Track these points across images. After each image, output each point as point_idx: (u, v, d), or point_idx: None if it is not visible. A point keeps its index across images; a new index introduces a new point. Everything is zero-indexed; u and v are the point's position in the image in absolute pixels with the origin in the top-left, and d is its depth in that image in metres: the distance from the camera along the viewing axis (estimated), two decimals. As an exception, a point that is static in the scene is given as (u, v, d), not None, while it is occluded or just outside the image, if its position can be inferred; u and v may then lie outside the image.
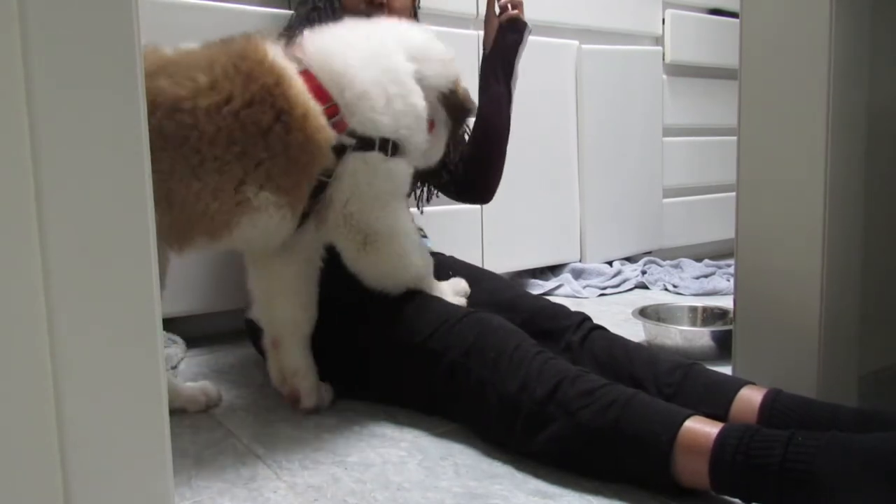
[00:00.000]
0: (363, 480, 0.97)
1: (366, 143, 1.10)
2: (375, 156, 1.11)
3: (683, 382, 1.06)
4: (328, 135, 1.07)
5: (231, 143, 1.01)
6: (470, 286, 1.35)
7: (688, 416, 0.89)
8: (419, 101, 1.14)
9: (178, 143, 0.98)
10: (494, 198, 2.07)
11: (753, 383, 1.03)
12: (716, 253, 2.62)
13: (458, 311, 1.14)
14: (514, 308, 1.27)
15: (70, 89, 0.52)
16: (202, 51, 1.06)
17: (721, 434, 0.86)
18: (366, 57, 1.11)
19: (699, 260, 2.47)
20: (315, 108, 1.06)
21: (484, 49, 1.53)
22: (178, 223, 1.03)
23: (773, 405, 0.97)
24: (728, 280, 2.16)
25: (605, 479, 0.94)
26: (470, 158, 1.54)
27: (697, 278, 2.25)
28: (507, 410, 1.01)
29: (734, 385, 1.03)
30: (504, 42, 1.49)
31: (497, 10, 1.50)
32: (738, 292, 1.19)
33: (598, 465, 0.94)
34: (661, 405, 0.94)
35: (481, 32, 1.98)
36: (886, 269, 1.22)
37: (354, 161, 1.10)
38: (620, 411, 0.92)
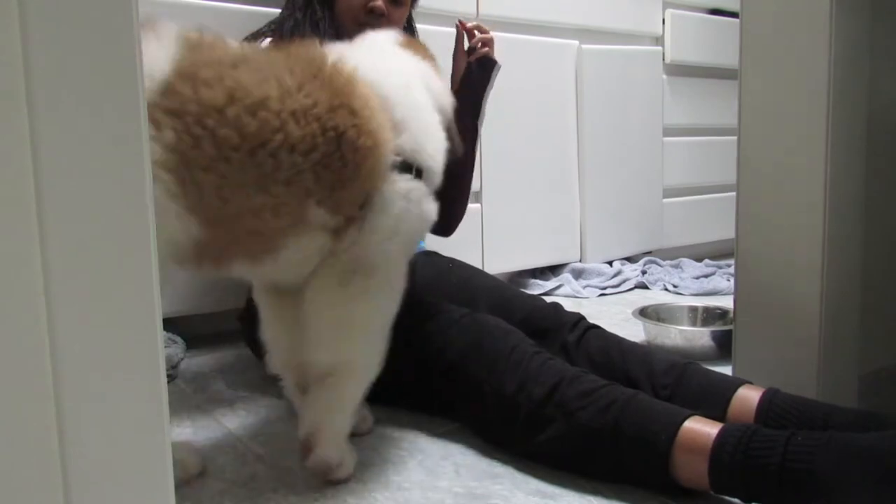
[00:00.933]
0: (363, 480, 0.97)
1: (405, 167, 1.00)
2: (418, 186, 1.01)
3: (679, 382, 1.06)
4: (389, 150, 0.97)
5: (312, 149, 0.90)
6: (465, 286, 1.35)
7: (687, 417, 0.89)
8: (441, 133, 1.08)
9: (255, 144, 0.86)
10: (494, 198, 2.07)
11: (750, 382, 1.03)
12: (716, 253, 2.62)
13: (454, 312, 1.14)
14: (509, 308, 1.28)
15: (70, 89, 0.52)
16: (272, 52, 0.98)
17: (720, 434, 0.86)
18: (403, 84, 1.05)
19: (699, 260, 2.47)
20: (382, 117, 0.97)
21: (452, 84, 1.48)
22: (219, 241, 0.89)
23: (771, 405, 0.97)
24: (728, 280, 2.16)
25: (605, 480, 0.94)
26: None
27: (697, 278, 2.25)
28: (505, 411, 1.01)
29: (731, 385, 1.03)
30: (472, 81, 1.46)
31: (466, 46, 1.47)
32: (738, 292, 1.19)
33: (597, 466, 0.94)
34: (660, 405, 0.94)
35: (481, 32, 1.99)
36: (886, 269, 1.22)
37: (399, 188, 0.99)
38: (620, 412, 0.92)
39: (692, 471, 0.87)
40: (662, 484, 0.90)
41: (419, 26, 1.56)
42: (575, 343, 1.20)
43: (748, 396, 1.00)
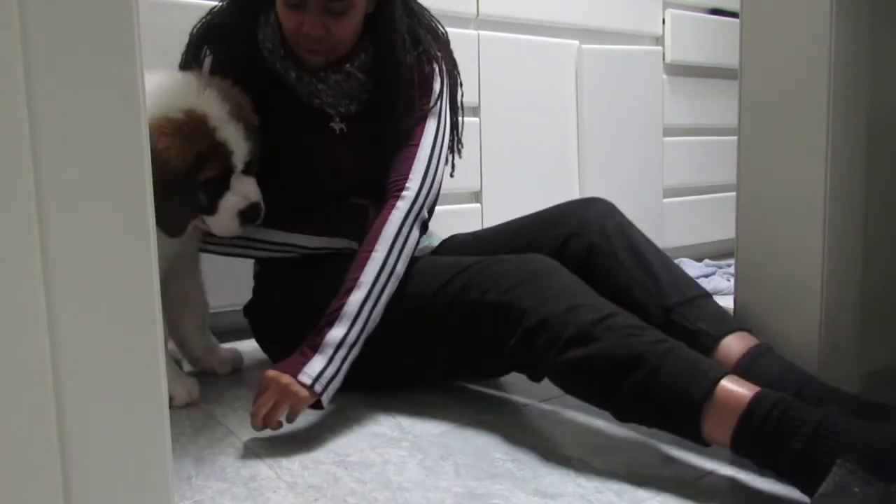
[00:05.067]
0: (363, 480, 0.97)
1: None
2: None
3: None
4: None
5: None
6: (489, 245, 1.36)
7: (727, 374, 0.91)
8: None
9: None
10: (494, 197, 2.07)
11: (748, 330, 1.08)
12: (716, 253, 2.62)
13: (484, 258, 1.15)
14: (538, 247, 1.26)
15: (70, 89, 0.52)
16: None
17: (753, 400, 0.87)
18: None
19: (699, 260, 2.47)
20: None
21: None
22: None
23: (749, 369, 1.00)
24: (728, 280, 2.16)
25: (623, 408, 0.96)
26: None
27: (697, 278, 2.25)
28: (547, 329, 1.01)
29: (722, 329, 1.07)
30: None
31: None
32: (738, 292, 1.19)
33: (626, 391, 0.94)
34: (706, 358, 0.97)
35: (482, 32, 1.99)
36: (886, 269, 1.22)
37: None
38: (671, 348, 0.94)
39: (717, 428, 0.88)
40: (685, 430, 0.92)
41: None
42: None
43: (731, 350, 1.05)
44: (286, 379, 1.04)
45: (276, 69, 1.27)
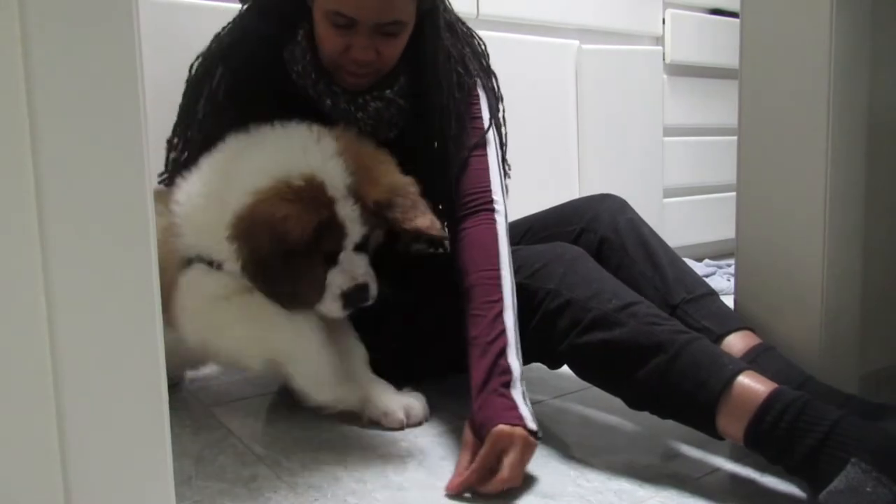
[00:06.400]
0: (363, 480, 0.97)
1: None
2: None
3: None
4: None
5: None
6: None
7: (745, 370, 0.91)
8: None
9: None
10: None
11: (750, 329, 1.08)
12: (716, 253, 2.62)
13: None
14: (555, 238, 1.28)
15: (70, 89, 0.52)
16: None
17: (770, 397, 0.87)
18: None
19: (699, 260, 2.47)
20: None
21: None
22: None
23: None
24: (728, 280, 2.16)
25: (635, 394, 0.97)
26: None
27: (698, 278, 2.25)
28: (567, 311, 1.02)
29: (724, 328, 1.09)
30: None
31: None
32: (738, 292, 1.19)
33: (641, 377, 0.95)
34: (725, 352, 0.98)
35: (482, 32, 1.99)
36: (886, 269, 1.22)
37: None
38: (692, 338, 0.95)
39: (732, 422, 0.89)
40: (700, 421, 0.92)
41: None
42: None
43: (732, 348, 1.05)
44: (523, 433, 0.94)
45: (307, 95, 1.18)
